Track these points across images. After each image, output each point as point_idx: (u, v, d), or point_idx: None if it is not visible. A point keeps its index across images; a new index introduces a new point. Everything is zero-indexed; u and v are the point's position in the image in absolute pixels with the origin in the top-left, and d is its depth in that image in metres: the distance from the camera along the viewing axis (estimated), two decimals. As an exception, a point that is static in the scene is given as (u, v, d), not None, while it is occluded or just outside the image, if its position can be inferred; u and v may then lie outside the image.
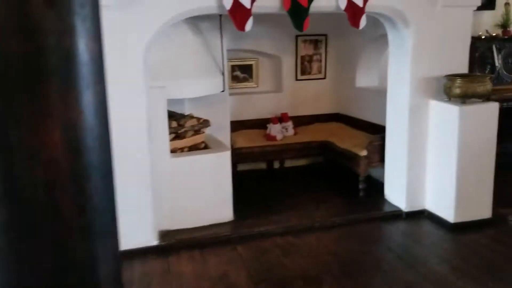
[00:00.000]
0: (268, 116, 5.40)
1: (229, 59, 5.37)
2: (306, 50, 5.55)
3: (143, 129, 3.48)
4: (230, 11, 3.46)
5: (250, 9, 3.50)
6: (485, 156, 3.96)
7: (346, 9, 3.75)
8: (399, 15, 3.93)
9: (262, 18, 5.06)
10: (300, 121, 5.59)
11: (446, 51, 4.07)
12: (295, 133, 5.35)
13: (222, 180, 3.99)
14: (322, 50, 5.61)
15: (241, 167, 5.28)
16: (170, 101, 4.16)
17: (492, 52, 5.57)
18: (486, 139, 3.93)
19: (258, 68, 5.56)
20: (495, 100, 5.40)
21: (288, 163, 5.54)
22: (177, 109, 4.35)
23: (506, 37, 5.67)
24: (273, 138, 5.15)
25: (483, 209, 4.02)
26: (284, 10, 3.61)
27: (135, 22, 3.31)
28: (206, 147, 4.14)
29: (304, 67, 5.60)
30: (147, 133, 3.50)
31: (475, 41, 5.52)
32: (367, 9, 3.80)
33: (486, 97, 3.96)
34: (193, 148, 4.07)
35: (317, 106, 5.70)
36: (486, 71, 5.57)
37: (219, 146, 4.10)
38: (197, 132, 4.08)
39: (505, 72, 5.66)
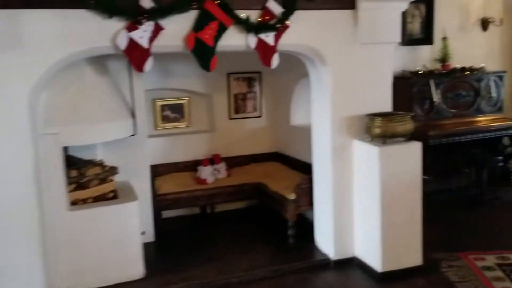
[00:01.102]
0: (203, 157, 5.12)
1: (158, 99, 5.16)
2: (239, 88, 5.34)
3: (30, 181, 3.14)
4: (126, 51, 3.22)
5: (148, 49, 3.27)
6: (411, 198, 3.72)
7: (256, 48, 3.55)
8: (316, 54, 3.76)
9: (190, 56, 4.87)
10: (236, 162, 5.32)
11: (367, 89, 3.89)
12: (229, 175, 5.07)
13: (130, 234, 3.65)
14: (257, 88, 5.41)
15: (170, 213, 4.95)
16: (79, 147, 3.87)
17: (430, 87, 5.45)
18: (410, 180, 3.70)
19: (190, 107, 5.31)
20: (436, 136, 5.29)
21: (223, 207, 5.22)
22: (88, 155, 4.04)
23: (444, 71, 5.57)
24: (204, 182, 4.85)
25: (412, 256, 3.75)
26: (188, 49, 3.39)
27: (18, 65, 3.03)
28: (115, 196, 3.82)
29: (238, 106, 5.37)
30: (35, 184, 3.16)
31: (413, 76, 5.43)
32: (280, 47, 3.62)
33: (408, 137, 3.75)
34: (100, 199, 3.73)
35: (253, 146, 5.45)
36: (425, 107, 5.45)
37: (129, 196, 3.78)
38: (103, 180, 3.76)
39: (445, 107, 5.53)
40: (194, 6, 3.33)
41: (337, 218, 3.94)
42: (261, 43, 3.55)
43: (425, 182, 5.31)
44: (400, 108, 5.33)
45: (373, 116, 3.73)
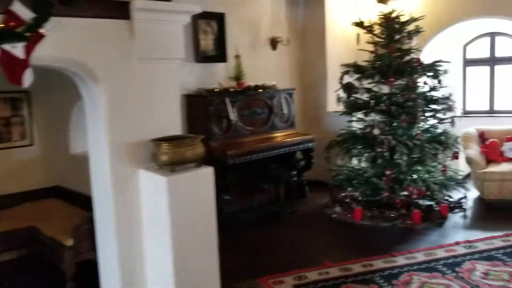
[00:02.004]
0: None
1: None
2: (0, 111, 4.32)
3: None
4: None
5: None
6: (205, 227, 3.34)
7: (0, 62, 2.74)
8: (84, 69, 3.12)
9: None
10: (2, 203, 4.26)
11: (151, 110, 3.41)
12: (-11, 222, 4.01)
13: None
14: (25, 111, 4.46)
15: None
16: None
17: (226, 105, 5.32)
18: (203, 209, 3.32)
19: None
20: (235, 155, 5.15)
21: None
22: None
23: (239, 89, 5.52)
24: (-50, 235, 3.71)
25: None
26: None
27: None
28: None
29: (-1, 133, 4.35)
30: None
31: (209, 94, 5.23)
32: (36, 61, 2.87)
33: (198, 162, 3.40)
34: None
35: (24, 181, 4.47)
36: (223, 125, 5.30)
37: None
38: None
39: (241, 125, 5.47)
40: None
41: (124, 263, 3.33)
42: (6, 56, 2.74)
43: (227, 203, 5.15)
44: (198, 127, 5.07)
45: (159, 141, 3.27)
